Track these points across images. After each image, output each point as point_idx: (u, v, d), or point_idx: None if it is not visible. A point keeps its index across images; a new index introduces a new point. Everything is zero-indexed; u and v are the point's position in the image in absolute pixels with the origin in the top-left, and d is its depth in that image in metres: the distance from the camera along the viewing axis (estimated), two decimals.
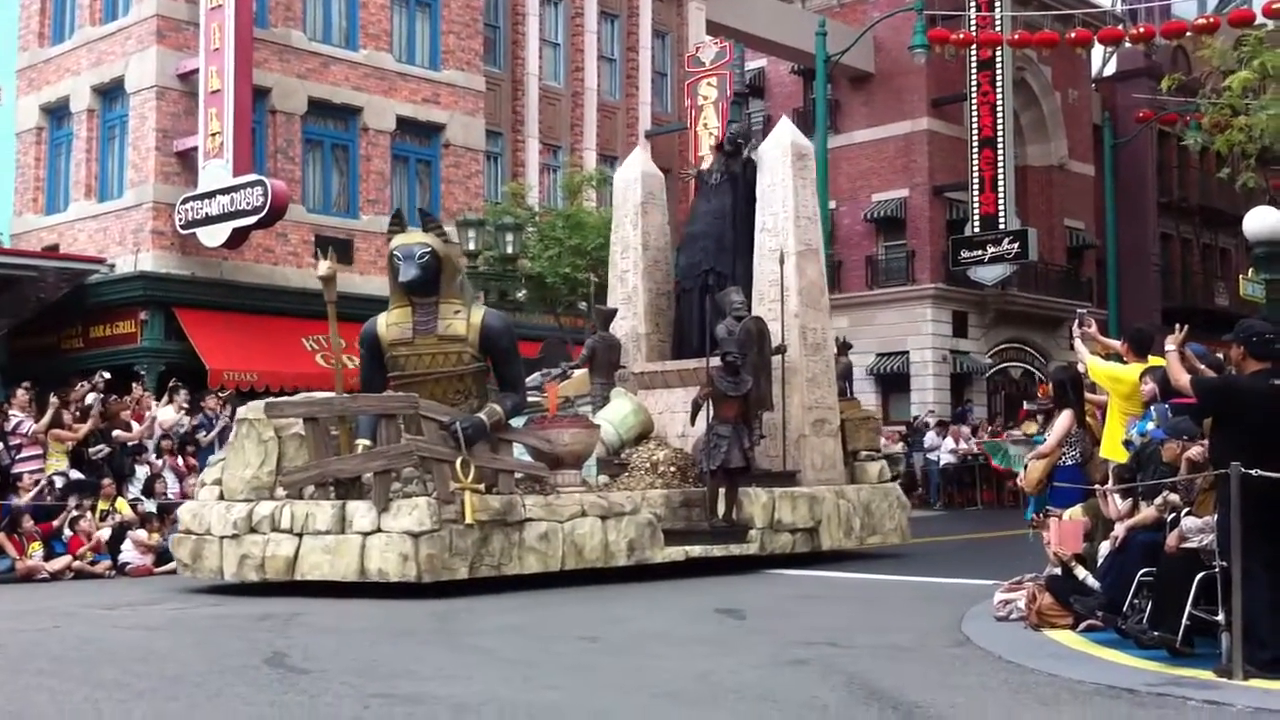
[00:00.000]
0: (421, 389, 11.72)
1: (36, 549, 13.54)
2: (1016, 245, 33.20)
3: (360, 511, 10.91)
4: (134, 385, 18.17)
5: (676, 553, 12.71)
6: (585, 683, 6.89)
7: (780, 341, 14.48)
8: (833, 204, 31.51)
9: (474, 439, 11.35)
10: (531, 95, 28.64)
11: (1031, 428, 20.31)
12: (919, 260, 34.68)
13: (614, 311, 16.12)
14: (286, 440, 11.86)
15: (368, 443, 11.39)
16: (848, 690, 6.64)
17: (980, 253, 33.52)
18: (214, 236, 21.10)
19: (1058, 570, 8.95)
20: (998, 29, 32.46)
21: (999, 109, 33.83)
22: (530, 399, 13.52)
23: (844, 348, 19.29)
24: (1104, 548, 8.81)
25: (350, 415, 11.73)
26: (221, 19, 21.32)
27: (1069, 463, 9.86)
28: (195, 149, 21.60)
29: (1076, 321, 10.30)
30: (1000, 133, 33.78)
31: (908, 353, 34.27)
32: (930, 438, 27.18)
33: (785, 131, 15.71)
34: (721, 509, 13.42)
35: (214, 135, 21.28)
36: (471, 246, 21.64)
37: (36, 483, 14.34)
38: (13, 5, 24.70)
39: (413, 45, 25.70)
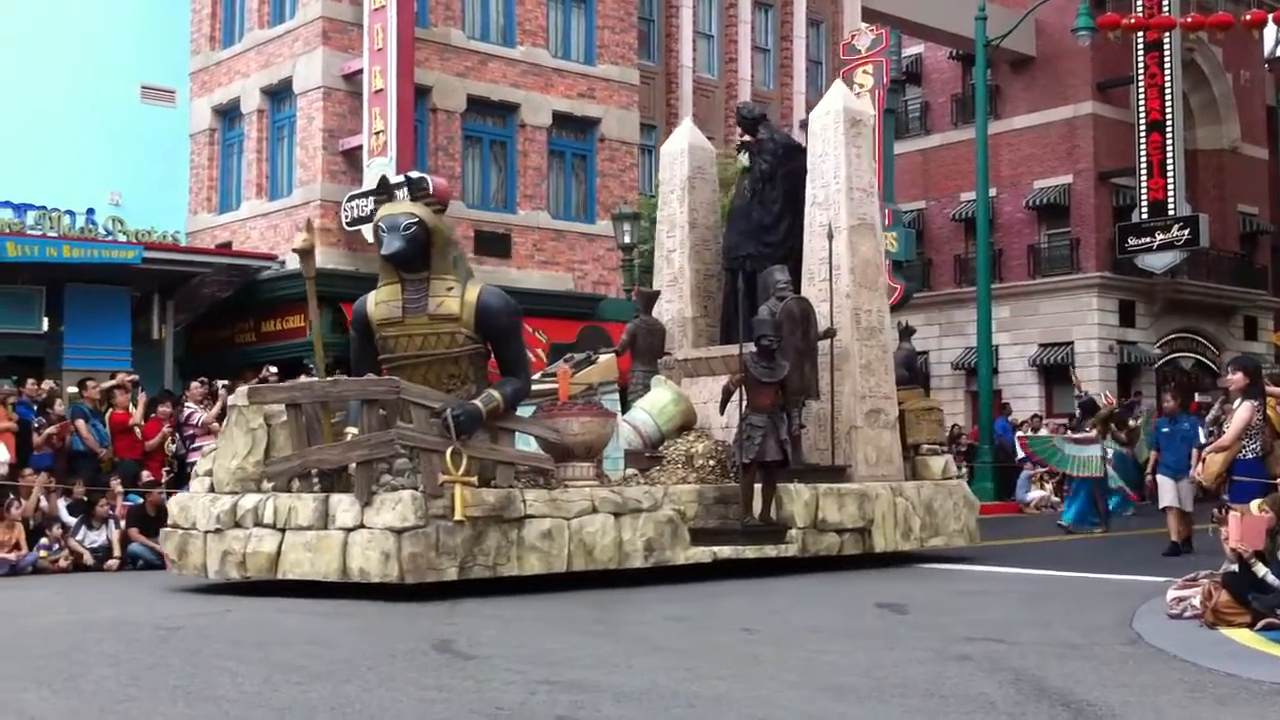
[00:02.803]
0: (413, 372, 10.93)
1: None
2: (1187, 232, 32.17)
3: (343, 505, 10.18)
4: (303, 378, 18.69)
5: (703, 554, 11.72)
6: (749, 674, 6.88)
7: (829, 324, 13.48)
8: (993, 192, 30.90)
9: (467, 427, 10.46)
10: (685, 88, 28.70)
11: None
12: (1083, 248, 33.83)
13: (657, 293, 15.23)
14: (277, 429, 11.15)
15: (355, 431, 10.69)
16: (1015, 687, 6.52)
17: (1149, 240, 32.57)
18: None
19: (1235, 567, 8.65)
20: (1166, 10, 31.46)
21: (1168, 91, 32.79)
22: (547, 386, 12.80)
23: (906, 332, 18.41)
24: None
25: (332, 401, 10.98)
26: (384, 20, 21.81)
27: (1249, 456, 9.55)
28: (360, 147, 22.14)
29: None
30: (1169, 116, 32.75)
31: (1072, 343, 33.46)
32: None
33: (837, 96, 14.60)
34: (757, 507, 12.24)
35: (378, 134, 21.78)
36: (627, 240, 21.77)
37: None
38: (185, 10, 25.63)
39: (568, 41, 25.96)
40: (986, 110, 27.02)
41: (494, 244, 24.08)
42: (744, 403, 12.22)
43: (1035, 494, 24.08)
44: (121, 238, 22.00)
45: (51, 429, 14.56)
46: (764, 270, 13.78)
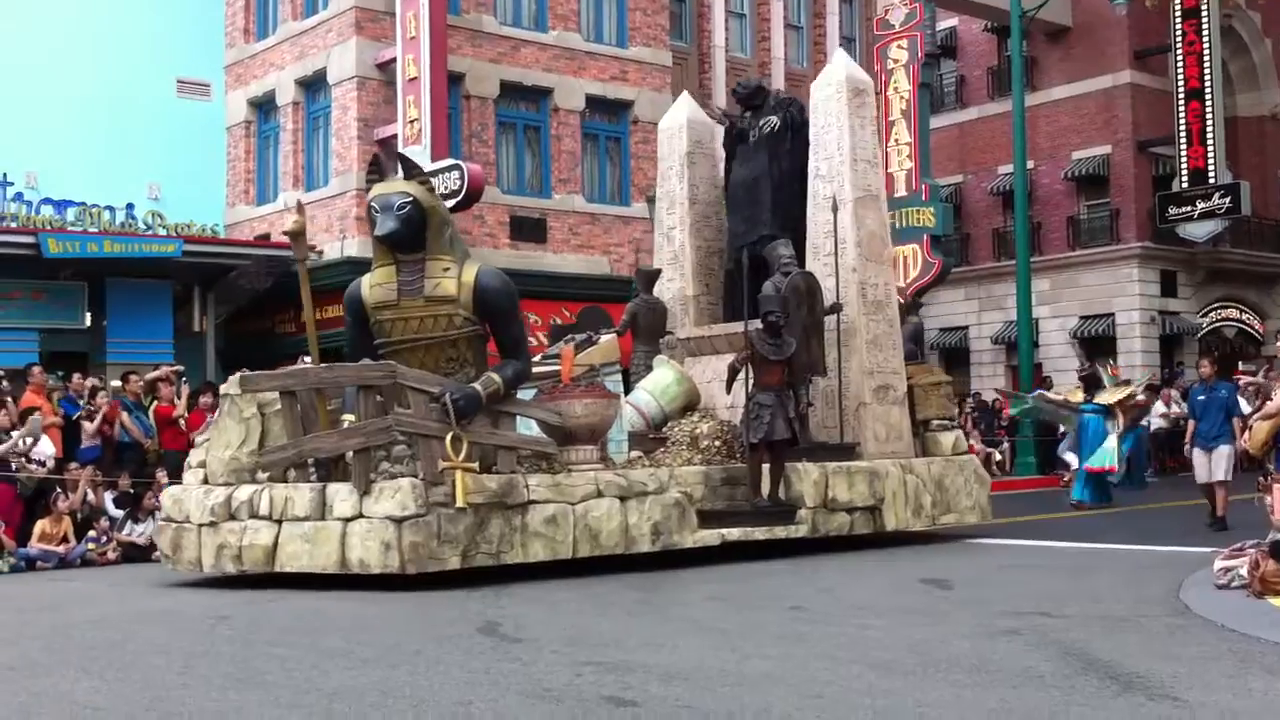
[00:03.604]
0: (410, 356, 10.65)
1: None
2: (1228, 200, 31.79)
3: (341, 495, 9.92)
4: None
5: (711, 536, 11.43)
6: (795, 652, 6.88)
7: (835, 299, 13.12)
8: (1031, 164, 30.64)
9: (467, 411, 10.21)
10: (718, 68, 28.57)
11: (1078, 396, 19.07)
12: (1123, 219, 33.50)
13: (658, 272, 14.83)
14: (271, 417, 10.86)
15: (352, 418, 10.42)
16: (1064, 660, 6.50)
17: (1189, 209, 32.19)
18: None
19: None
20: None
21: (1206, 59, 32.37)
22: (549, 368, 12.49)
23: (912, 307, 17.89)
24: None
25: (328, 387, 10.65)
26: (416, 8, 21.84)
27: None
28: (395, 136, 22.19)
29: None
30: (1208, 83, 32.33)
31: (1113, 315, 33.19)
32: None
33: (839, 66, 14.21)
34: (766, 487, 11.94)
35: (412, 122, 21.84)
36: None
37: None
38: (219, 3, 25.76)
39: (600, 24, 25.91)
40: (1023, 82, 26.78)
41: (530, 229, 24.12)
42: (751, 381, 11.97)
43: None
44: (161, 232, 22.17)
45: (103, 408, 14.71)
46: (768, 246, 13.51)
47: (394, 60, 22.27)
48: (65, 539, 13.21)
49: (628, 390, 13.59)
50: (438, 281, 10.71)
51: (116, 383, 16.06)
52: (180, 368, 16.85)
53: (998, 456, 25.57)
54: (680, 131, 15.33)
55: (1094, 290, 33.53)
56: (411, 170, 11.07)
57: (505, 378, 10.76)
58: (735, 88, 15.23)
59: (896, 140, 27.96)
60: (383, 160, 11.48)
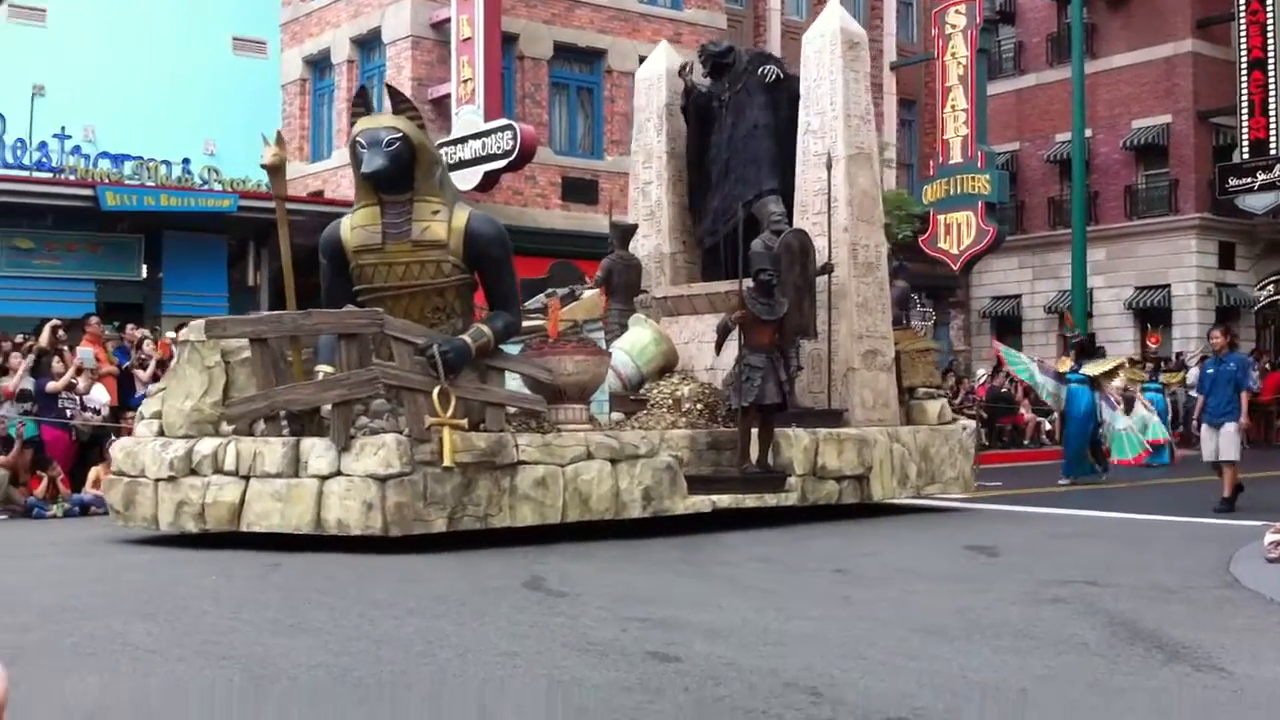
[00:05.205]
0: (394, 305, 9.98)
1: None
2: None
3: (317, 451, 9.25)
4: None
5: (702, 503, 10.89)
6: (839, 614, 6.88)
7: (826, 259, 12.63)
8: (1089, 132, 30.22)
9: (455, 365, 9.59)
10: (774, 30, 28.40)
11: (1065, 365, 18.80)
12: (1182, 189, 33.04)
13: (634, 227, 14.27)
14: (236, 366, 10.14)
15: (328, 369, 9.74)
16: (1109, 629, 6.46)
17: (1250, 180, 31.69)
18: (466, 180, 21.69)
19: None
20: None
21: (1270, 28, 31.78)
22: (533, 323, 11.91)
23: (898, 270, 17.48)
24: None
25: (304, 335, 9.99)
26: None
27: None
28: (448, 96, 22.22)
29: None
30: (1271, 53, 31.75)
31: (1169, 286, 32.78)
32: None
33: (833, 16, 13.57)
34: (755, 453, 11.37)
35: (465, 82, 21.85)
36: None
37: None
38: None
39: None
40: (1083, 49, 26.41)
41: (581, 190, 24.12)
42: (741, 342, 11.44)
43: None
44: (217, 187, 22.36)
45: (154, 355, 14.92)
46: (758, 204, 13.09)
47: (448, 20, 22.28)
48: None
49: None
50: (426, 225, 10.04)
51: (171, 334, 16.26)
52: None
53: (1047, 426, 25.39)
54: (659, 82, 14.77)
55: (1150, 261, 33.14)
56: (400, 104, 10.42)
57: (496, 330, 10.15)
58: (702, 49, 14.56)
59: (953, 106, 27.69)
60: (369, 93, 10.76)
